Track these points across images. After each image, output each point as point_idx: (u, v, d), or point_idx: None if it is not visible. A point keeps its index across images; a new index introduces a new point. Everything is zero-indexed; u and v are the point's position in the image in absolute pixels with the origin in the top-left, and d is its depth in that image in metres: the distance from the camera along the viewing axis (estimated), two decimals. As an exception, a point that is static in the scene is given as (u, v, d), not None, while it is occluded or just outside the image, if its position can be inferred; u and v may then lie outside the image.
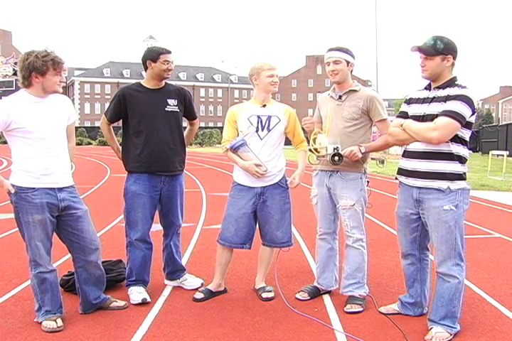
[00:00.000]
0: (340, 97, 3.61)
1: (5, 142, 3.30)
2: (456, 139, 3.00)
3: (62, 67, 3.10)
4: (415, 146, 3.09)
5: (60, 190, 3.16)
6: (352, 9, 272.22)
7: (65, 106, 3.28)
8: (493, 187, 11.25)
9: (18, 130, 3.04)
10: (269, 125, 3.62)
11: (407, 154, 3.16)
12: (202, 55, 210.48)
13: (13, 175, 3.13)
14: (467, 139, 3.05)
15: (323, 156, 3.48)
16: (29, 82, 3.07)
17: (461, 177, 3.03)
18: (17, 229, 3.20)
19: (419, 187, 3.08)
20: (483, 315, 3.41)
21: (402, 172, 3.21)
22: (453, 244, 3.02)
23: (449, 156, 3.00)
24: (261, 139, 3.62)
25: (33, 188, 3.08)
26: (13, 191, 3.07)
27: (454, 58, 3.03)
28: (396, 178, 3.27)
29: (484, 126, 36.08)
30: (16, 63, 49.67)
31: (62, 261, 4.45)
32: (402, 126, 3.09)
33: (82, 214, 3.26)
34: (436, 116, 2.95)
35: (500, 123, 38.45)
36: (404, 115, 3.16)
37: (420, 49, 3.01)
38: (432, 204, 3.03)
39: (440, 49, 2.97)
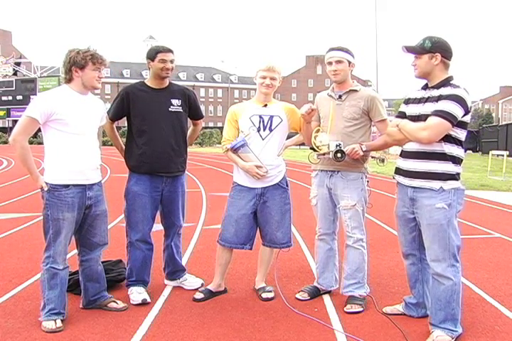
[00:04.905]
0: (340, 97, 3.60)
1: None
2: (450, 139, 2.98)
3: (101, 62, 3.20)
4: (410, 146, 3.09)
5: (90, 187, 3.27)
6: (352, 9, 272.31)
7: (100, 107, 3.42)
8: (493, 187, 11.25)
9: (57, 122, 3.12)
10: (271, 125, 3.62)
11: (404, 154, 3.17)
12: (202, 55, 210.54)
13: (46, 171, 3.20)
14: (462, 139, 3.03)
15: (324, 154, 3.47)
16: (70, 76, 3.19)
17: (453, 177, 3.01)
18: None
19: (414, 187, 3.08)
20: (483, 315, 3.41)
21: (398, 171, 3.21)
22: (446, 243, 2.99)
23: (442, 156, 2.99)
24: (262, 139, 3.61)
25: (66, 186, 3.16)
26: (46, 188, 3.15)
27: (445, 57, 3.02)
28: (394, 177, 3.27)
29: (484, 126, 36.07)
30: (16, 63, 49.80)
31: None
32: (398, 126, 3.10)
33: (101, 213, 3.38)
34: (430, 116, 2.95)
35: (500, 123, 38.46)
36: (402, 115, 3.17)
37: (408, 48, 3.04)
38: (425, 203, 3.02)
39: (427, 47, 2.99)
